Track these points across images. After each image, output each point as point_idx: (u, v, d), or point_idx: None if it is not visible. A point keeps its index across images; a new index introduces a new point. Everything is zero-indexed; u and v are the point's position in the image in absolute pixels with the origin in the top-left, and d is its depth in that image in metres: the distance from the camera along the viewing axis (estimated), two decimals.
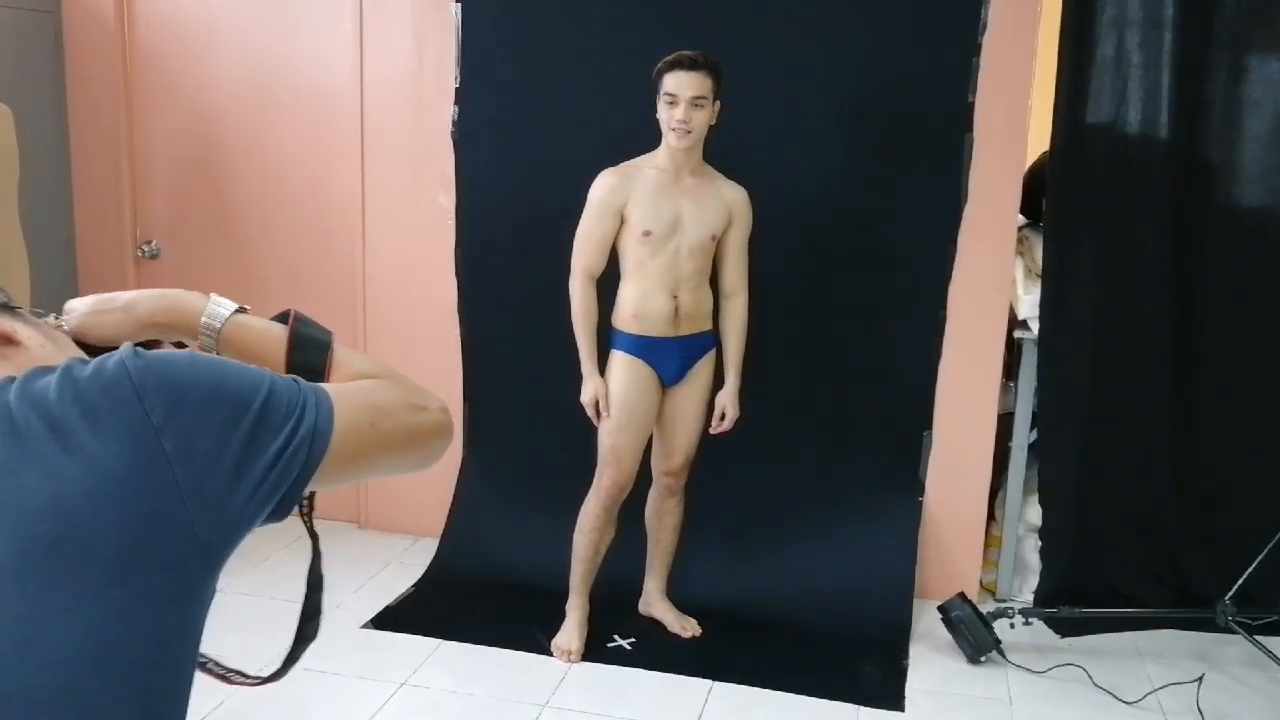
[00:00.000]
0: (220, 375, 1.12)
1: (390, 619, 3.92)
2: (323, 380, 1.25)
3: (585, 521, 3.69)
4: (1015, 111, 3.87)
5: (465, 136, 4.24)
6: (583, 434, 3.68)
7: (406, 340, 4.43)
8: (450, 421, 1.30)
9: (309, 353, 1.28)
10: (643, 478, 3.74)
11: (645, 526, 3.86)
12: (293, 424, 1.12)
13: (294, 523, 1.25)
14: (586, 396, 3.57)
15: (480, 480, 4.38)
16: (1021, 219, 4.10)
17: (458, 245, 4.32)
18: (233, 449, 1.08)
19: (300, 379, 1.17)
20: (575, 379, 3.58)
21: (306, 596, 1.30)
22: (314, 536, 1.27)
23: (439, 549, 4.32)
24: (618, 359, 3.58)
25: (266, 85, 4.44)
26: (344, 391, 1.20)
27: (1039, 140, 4.04)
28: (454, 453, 4.33)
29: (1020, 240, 4.14)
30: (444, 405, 1.31)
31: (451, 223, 4.30)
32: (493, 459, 4.39)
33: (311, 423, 1.13)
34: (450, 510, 4.37)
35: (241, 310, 1.32)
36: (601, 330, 3.58)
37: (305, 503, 1.20)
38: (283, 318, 1.32)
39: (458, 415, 4.36)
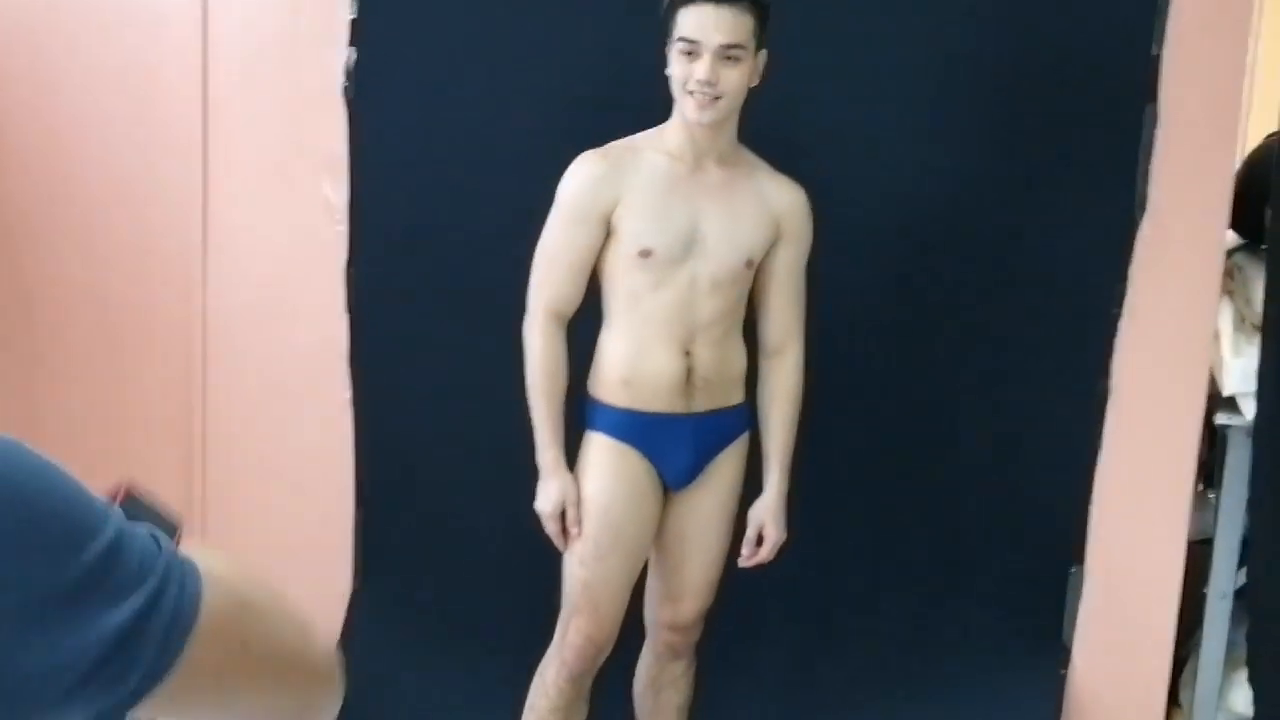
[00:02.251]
0: (43, 485, 0.90)
1: None
2: None
3: (542, 699, 3.32)
4: (1225, 72, 3.42)
5: (364, 95, 3.64)
6: (540, 561, 3.29)
7: (267, 409, 3.86)
8: (339, 676, 1.12)
9: None
10: (631, 631, 3.33)
11: (635, 707, 3.45)
12: (148, 594, 0.89)
13: None
14: (547, 503, 3.17)
15: (379, 628, 3.83)
16: (1233, 237, 3.66)
17: (350, 264, 3.74)
18: (43, 609, 0.86)
19: (158, 532, 0.99)
20: (530, 474, 3.20)
21: None
22: None
23: None
24: (598, 446, 3.20)
25: (55, 4, 3.79)
26: (214, 570, 1.01)
27: (1262, 118, 3.82)
28: (341, 586, 3.80)
29: (1229, 272, 3.69)
30: (332, 651, 1.17)
31: (342, 229, 3.71)
32: (399, 597, 3.86)
33: (174, 598, 0.91)
34: None
35: None
36: (573, 400, 3.20)
37: None
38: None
39: (348, 523, 3.75)
